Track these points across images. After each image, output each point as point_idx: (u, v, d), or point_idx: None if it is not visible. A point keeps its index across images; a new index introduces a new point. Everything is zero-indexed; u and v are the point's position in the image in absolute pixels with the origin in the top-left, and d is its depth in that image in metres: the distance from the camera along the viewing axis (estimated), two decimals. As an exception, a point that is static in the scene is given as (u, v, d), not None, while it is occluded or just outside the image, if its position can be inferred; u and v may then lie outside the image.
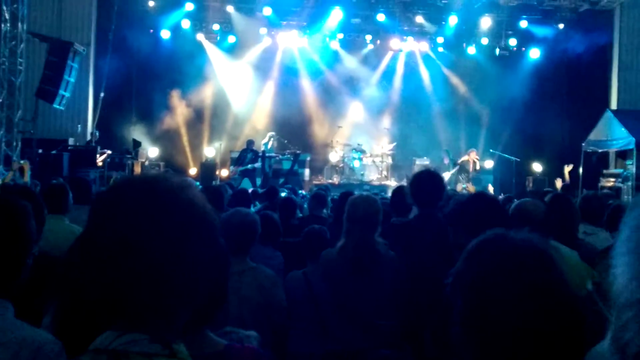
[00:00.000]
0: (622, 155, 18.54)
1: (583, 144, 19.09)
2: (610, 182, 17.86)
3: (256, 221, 4.41)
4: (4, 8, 15.32)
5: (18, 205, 2.29)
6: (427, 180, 4.75)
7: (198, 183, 17.88)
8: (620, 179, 17.52)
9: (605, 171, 18.99)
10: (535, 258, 1.48)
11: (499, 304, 1.43)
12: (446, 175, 18.74)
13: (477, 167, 19.84)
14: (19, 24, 15.62)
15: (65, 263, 2.24)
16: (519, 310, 1.42)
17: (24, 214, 2.27)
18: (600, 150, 18.95)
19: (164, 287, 1.28)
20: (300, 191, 11.07)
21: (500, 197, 11.29)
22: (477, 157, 19.97)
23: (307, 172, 21.07)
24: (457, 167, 19.85)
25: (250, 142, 19.59)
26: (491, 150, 20.83)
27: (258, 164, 19.01)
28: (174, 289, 1.30)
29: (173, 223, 1.29)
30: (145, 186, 1.33)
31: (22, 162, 14.94)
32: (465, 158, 19.98)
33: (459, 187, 18.49)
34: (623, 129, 17.24)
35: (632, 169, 17.09)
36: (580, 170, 18.83)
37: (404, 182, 19.20)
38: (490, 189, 19.41)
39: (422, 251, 4.28)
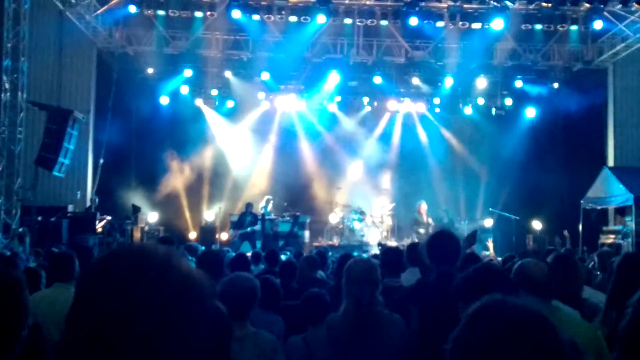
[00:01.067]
0: (621, 211, 18.52)
1: (582, 201, 19.11)
2: (610, 239, 17.81)
3: (256, 286, 4.37)
4: (4, 78, 15.55)
5: (13, 277, 2.28)
6: (446, 240, 4.79)
7: (202, 247, 17.86)
8: (620, 236, 17.47)
9: (604, 228, 18.96)
10: (534, 325, 1.46)
11: None
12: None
13: (430, 220, 19.91)
14: (19, 94, 15.83)
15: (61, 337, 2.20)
16: None
17: (19, 286, 2.26)
18: (599, 207, 18.96)
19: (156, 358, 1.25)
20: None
21: (499, 259, 11.27)
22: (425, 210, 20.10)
23: (307, 234, 21.00)
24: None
25: (248, 205, 19.67)
26: (490, 209, 20.84)
27: (257, 227, 19.03)
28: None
29: (161, 294, 1.26)
30: (131, 258, 1.31)
31: (20, 230, 14.93)
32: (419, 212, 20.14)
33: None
34: (621, 185, 17.29)
35: (632, 225, 17.07)
36: (580, 227, 18.80)
37: (402, 244, 19.22)
38: (490, 244, 19.36)
39: (444, 310, 4.24)
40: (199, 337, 1.32)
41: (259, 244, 18.55)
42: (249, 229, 18.98)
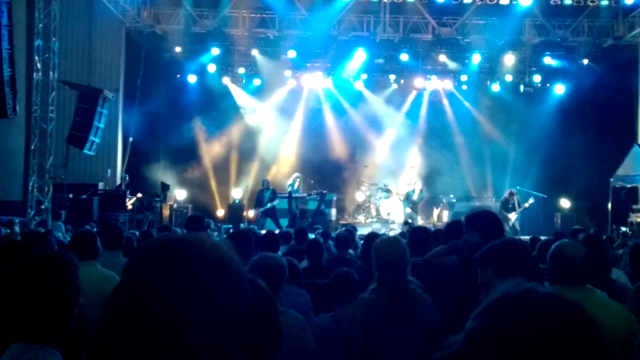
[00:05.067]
0: (652, 189, 18.32)
1: (611, 179, 18.93)
2: (639, 218, 17.63)
3: (284, 265, 4.45)
4: (36, 58, 15.78)
5: (68, 258, 2.40)
6: (491, 219, 4.78)
7: (230, 226, 18.04)
8: (650, 214, 17.30)
9: (634, 206, 18.76)
10: (573, 318, 1.34)
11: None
12: None
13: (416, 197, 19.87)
14: (50, 73, 16.08)
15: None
16: None
17: (73, 267, 2.38)
18: (628, 186, 18.74)
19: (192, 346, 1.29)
20: (333, 233, 11.12)
21: (526, 238, 11.23)
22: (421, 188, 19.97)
23: (333, 212, 21.07)
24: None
25: (264, 182, 19.69)
26: (518, 187, 20.74)
27: (276, 201, 19.02)
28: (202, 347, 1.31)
29: (208, 287, 1.31)
30: (180, 248, 1.35)
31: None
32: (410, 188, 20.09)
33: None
34: (651, 163, 17.11)
35: (662, 203, 16.91)
36: (609, 205, 18.64)
37: (429, 222, 19.21)
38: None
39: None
40: (241, 322, 1.36)
41: (283, 222, 18.65)
42: (268, 205, 18.99)
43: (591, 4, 19.92)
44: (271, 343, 2.32)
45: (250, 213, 20.16)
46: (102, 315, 2.45)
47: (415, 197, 19.76)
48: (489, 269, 3.33)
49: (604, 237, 9.16)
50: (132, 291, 1.33)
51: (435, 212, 21.21)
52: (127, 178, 18.88)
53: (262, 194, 19.33)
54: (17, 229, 12.21)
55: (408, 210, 19.74)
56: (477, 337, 1.34)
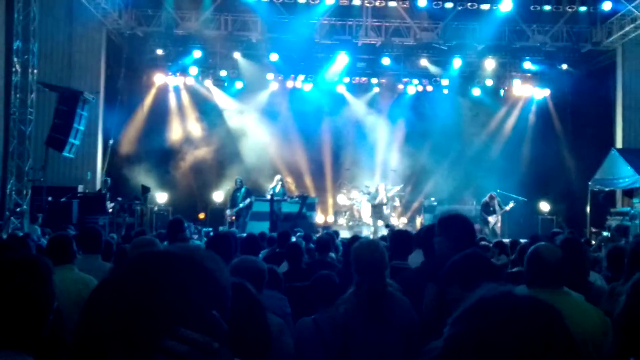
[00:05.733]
0: (629, 193, 18.52)
1: (590, 183, 19.11)
2: (617, 221, 17.81)
3: (263, 269, 4.46)
4: (15, 59, 15.62)
5: (43, 264, 2.37)
6: (461, 224, 4.80)
7: (211, 229, 17.91)
8: (627, 217, 17.47)
9: (612, 210, 18.97)
10: (545, 319, 1.37)
11: None
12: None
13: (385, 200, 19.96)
14: (30, 75, 15.91)
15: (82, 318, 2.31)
16: None
17: (48, 273, 2.36)
18: (606, 189, 18.96)
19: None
20: (315, 236, 11.13)
21: (506, 240, 11.29)
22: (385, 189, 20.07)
23: (315, 215, 21.08)
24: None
25: (237, 181, 19.43)
26: (498, 191, 20.86)
27: (248, 200, 18.83)
28: None
29: (191, 295, 1.38)
30: (163, 262, 1.43)
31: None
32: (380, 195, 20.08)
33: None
34: (629, 167, 17.28)
35: (639, 207, 17.08)
36: (588, 209, 18.82)
37: (409, 225, 19.26)
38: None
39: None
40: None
41: (265, 225, 18.51)
42: (241, 204, 18.81)
43: (570, 9, 20.15)
44: (260, 343, 2.34)
45: (227, 213, 19.87)
46: (81, 317, 2.44)
47: (376, 201, 19.79)
48: (454, 285, 3.37)
49: (582, 240, 9.22)
50: (123, 295, 1.39)
51: (419, 219, 21.30)
52: (109, 181, 18.72)
53: (235, 194, 19.12)
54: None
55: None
56: (455, 343, 1.36)
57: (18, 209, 15.62)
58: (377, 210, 19.83)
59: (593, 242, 12.97)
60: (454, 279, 3.42)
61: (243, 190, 18.98)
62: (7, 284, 2.24)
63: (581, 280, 4.85)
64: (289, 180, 21.22)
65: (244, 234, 11.35)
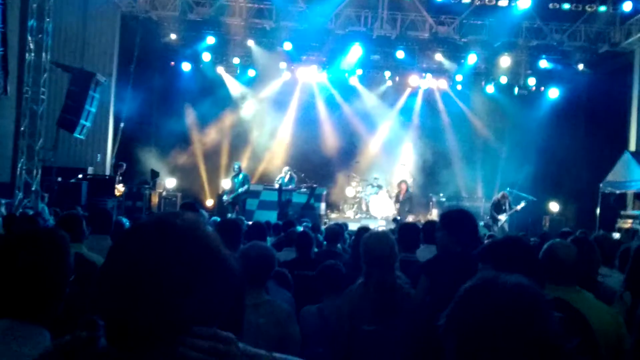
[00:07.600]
0: (640, 196, 18.41)
1: (601, 185, 18.97)
2: (627, 224, 17.67)
3: (273, 255, 4.43)
4: (29, 38, 15.60)
5: (60, 235, 2.37)
6: (463, 219, 4.78)
7: (218, 219, 17.78)
8: (637, 221, 17.34)
9: (622, 212, 18.82)
10: (525, 304, 1.45)
11: (489, 350, 1.41)
12: None
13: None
14: (43, 54, 15.89)
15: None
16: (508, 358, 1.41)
17: (65, 244, 2.35)
18: (618, 192, 18.82)
19: (172, 316, 1.33)
20: (322, 227, 11.10)
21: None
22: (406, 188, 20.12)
23: (323, 206, 21.00)
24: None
25: (235, 166, 19.17)
26: (508, 189, 20.74)
27: (245, 187, 18.63)
28: (182, 318, 1.34)
29: (183, 259, 1.35)
30: (160, 225, 1.39)
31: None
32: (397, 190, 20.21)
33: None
34: (642, 170, 17.16)
35: (650, 210, 16.98)
36: (598, 211, 18.70)
37: (418, 219, 19.18)
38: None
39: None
40: (215, 299, 1.40)
41: (272, 214, 18.42)
42: (240, 190, 18.58)
43: (589, 9, 19.96)
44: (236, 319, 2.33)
45: (224, 198, 19.67)
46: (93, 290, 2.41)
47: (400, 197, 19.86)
48: (487, 264, 3.34)
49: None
50: (114, 260, 1.38)
51: (429, 215, 21.22)
52: (125, 166, 18.58)
53: (233, 180, 18.93)
54: (2, 210, 12.13)
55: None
56: (446, 333, 1.48)
57: (31, 189, 15.65)
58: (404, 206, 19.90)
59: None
60: (488, 259, 3.38)
61: (241, 176, 18.85)
62: (26, 256, 2.23)
63: (590, 279, 4.85)
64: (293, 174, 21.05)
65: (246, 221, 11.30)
